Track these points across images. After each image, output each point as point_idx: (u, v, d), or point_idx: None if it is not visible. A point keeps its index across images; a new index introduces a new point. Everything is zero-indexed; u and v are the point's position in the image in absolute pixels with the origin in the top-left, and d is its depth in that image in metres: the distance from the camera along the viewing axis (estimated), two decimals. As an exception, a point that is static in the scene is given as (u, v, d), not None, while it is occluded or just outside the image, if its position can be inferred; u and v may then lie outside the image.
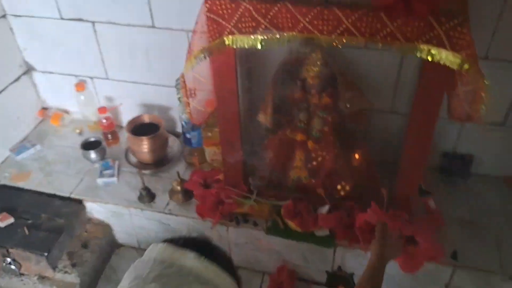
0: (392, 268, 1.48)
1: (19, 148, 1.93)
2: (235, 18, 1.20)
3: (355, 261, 1.54)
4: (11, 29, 1.88)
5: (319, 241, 1.55)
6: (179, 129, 1.99)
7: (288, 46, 1.55)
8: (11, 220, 1.63)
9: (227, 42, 1.24)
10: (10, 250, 1.57)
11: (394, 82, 1.60)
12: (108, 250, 1.78)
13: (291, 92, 1.56)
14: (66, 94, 2.01)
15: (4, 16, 1.83)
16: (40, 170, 1.85)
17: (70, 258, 1.64)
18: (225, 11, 1.20)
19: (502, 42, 1.41)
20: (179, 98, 1.37)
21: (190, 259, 0.69)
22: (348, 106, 1.48)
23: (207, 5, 1.20)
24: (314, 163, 1.59)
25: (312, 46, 1.44)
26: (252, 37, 1.21)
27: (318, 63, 1.46)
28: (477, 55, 1.08)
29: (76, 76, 1.95)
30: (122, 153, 1.90)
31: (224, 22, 1.22)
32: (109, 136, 1.93)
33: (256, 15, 1.18)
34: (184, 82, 1.33)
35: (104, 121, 1.89)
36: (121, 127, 2.04)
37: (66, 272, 1.61)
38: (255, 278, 1.71)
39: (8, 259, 1.59)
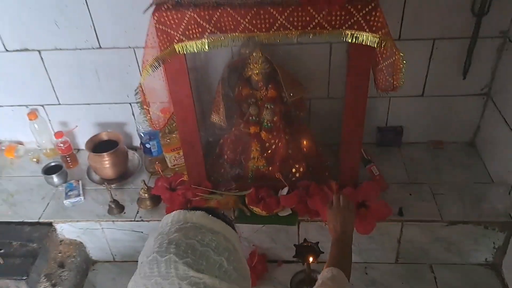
0: (351, 233, 1.66)
1: (-24, 184, 1.93)
2: (182, 26, 1.34)
3: (318, 232, 1.70)
4: (-47, 67, 1.89)
5: (283, 220, 1.70)
6: (135, 143, 2.08)
7: (230, 51, 1.74)
8: (-18, 252, 1.65)
9: (177, 49, 1.37)
10: (-13, 281, 1.59)
11: (327, 71, 1.80)
12: (84, 267, 1.82)
13: (239, 91, 1.72)
14: (18, 125, 2.03)
15: None
16: (4, 201, 1.86)
17: (49, 279, 1.67)
18: (172, 21, 1.34)
19: (410, 24, 1.66)
20: (139, 107, 1.48)
21: (200, 217, 0.83)
22: (291, 95, 1.66)
23: (155, 18, 1.34)
24: (269, 151, 1.75)
25: (253, 46, 1.61)
26: (200, 41, 1.36)
27: (260, 60, 1.63)
28: (391, 34, 1.30)
29: (27, 106, 1.99)
30: (83, 173, 1.96)
31: (172, 31, 1.35)
32: (68, 159, 1.98)
33: (201, 21, 1.33)
34: (142, 91, 1.44)
35: (61, 145, 1.94)
36: (78, 149, 2.09)
37: (46, 293, 1.64)
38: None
39: (-14, 291, 1.60)
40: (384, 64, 1.39)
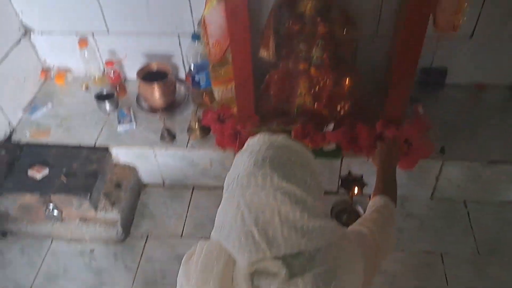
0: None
1: (31, 108, 2.01)
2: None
3: (360, 167, 1.79)
4: (5, -7, 1.91)
5: (328, 155, 1.78)
6: (181, 75, 2.13)
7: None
8: (46, 171, 1.76)
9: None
10: (53, 197, 1.71)
11: (378, 9, 1.79)
12: (137, 189, 1.95)
13: (289, 25, 1.73)
14: (67, 52, 2.08)
15: (-3, -20, 1.86)
16: (58, 126, 1.96)
17: (108, 198, 1.80)
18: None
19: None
20: (200, 39, 1.51)
21: (283, 139, 0.92)
22: (344, 32, 1.68)
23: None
24: (317, 88, 1.79)
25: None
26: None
27: (314, -5, 1.63)
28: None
29: (76, 33, 2.02)
30: (132, 102, 2.03)
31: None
32: (117, 88, 2.04)
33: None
34: (204, 23, 1.47)
35: (111, 74, 2.00)
36: (124, 79, 2.15)
37: (106, 210, 1.77)
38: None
39: (51, 206, 1.73)
40: (446, 3, 1.39)
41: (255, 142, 0.93)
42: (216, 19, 1.50)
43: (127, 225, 1.85)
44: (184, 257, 0.95)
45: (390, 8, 1.77)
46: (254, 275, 0.83)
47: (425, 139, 1.72)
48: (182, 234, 1.84)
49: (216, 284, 0.84)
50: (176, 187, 1.98)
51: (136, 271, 1.73)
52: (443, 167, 1.76)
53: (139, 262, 1.76)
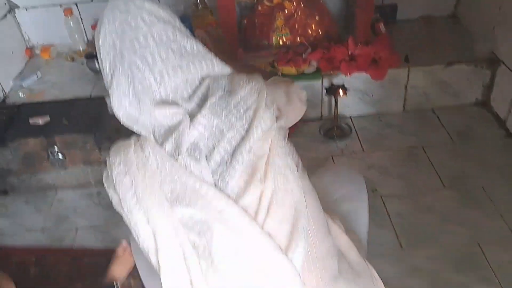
0: (364, 83, 1.98)
1: (21, 78, 2.08)
2: None
3: (339, 82, 1.99)
4: (-11, -31, 2.03)
5: (309, 77, 1.98)
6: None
7: None
8: (47, 118, 1.81)
9: None
10: (57, 138, 1.75)
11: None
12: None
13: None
14: (52, 27, 2.19)
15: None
16: (51, 88, 2.04)
17: (110, 141, 1.85)
18: None
19: None
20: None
21: None
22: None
23: None
24: (291, 20, 2.03)
25: None
26: None
27: None
28: None
29: (60, 5, 2.15)
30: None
31: None
32: (103, 53, 2.16)
33: None
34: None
35: (98, 37, 2.12)
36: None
37: (111, 149, 1.83)
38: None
39: (55, 149, 1.77)
40: None
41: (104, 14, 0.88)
42: None
43: (130, 166, 1.90)
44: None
45: None
46: (165, 141, 0.82)
47: (392, 51, 1.97)
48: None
49: (126, 166, 0.82)
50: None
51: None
52: (410, 74, 2.00)
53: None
